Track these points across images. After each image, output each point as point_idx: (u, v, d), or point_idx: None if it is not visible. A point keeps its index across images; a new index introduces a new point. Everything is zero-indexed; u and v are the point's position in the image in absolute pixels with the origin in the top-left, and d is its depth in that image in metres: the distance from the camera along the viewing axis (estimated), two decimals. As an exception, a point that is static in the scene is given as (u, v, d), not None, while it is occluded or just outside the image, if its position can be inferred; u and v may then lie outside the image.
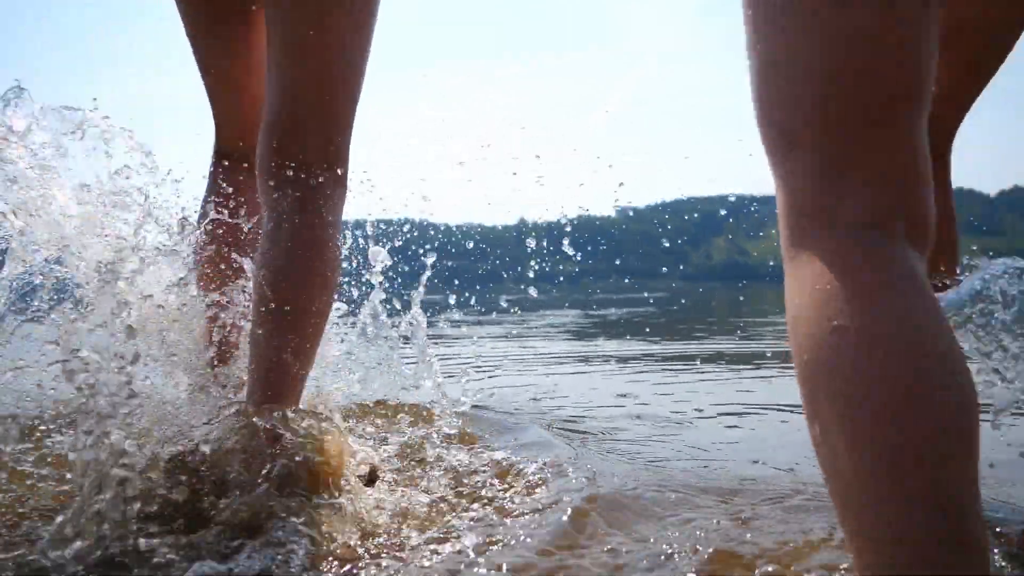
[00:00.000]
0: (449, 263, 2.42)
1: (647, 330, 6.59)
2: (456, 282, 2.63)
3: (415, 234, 2.39)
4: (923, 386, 0.69)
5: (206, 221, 1.59)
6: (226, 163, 1.66)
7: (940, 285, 1.40)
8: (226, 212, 1.60)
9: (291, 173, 1.38)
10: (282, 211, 1.38)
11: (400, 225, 2.19)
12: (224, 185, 1.63)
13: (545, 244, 2.53)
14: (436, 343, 3.66)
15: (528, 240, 2.54)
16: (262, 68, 1.48)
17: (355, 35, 1.42)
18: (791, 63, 0.82)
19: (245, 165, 1.61)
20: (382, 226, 2.05)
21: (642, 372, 3.76)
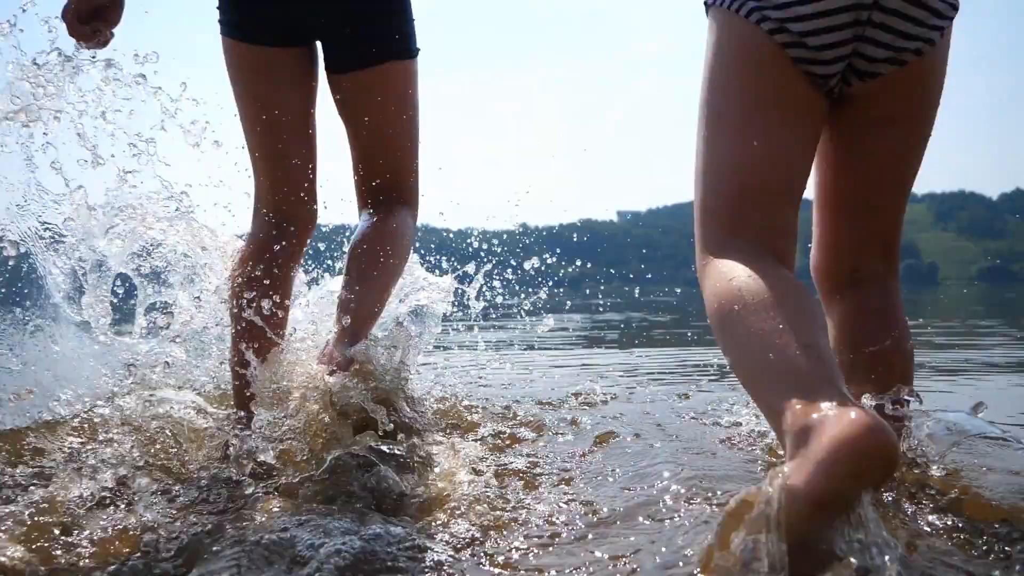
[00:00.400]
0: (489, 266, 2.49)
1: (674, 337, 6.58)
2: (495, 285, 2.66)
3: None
4: (792, 299, 1.14)
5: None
6: (267, 227, 1.91)
7: (895, 405, 1.40)
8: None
9: (380, 201, 1.98)
10: (375, 217, 1.94)
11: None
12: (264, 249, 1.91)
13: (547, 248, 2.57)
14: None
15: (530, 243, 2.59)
16: (313, 140, 1.93)
17: (411, 117, 1.96)
18: (718, 168, 1.39)
19: (283, 226, 1.90)
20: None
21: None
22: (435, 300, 2.31)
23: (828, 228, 1.53)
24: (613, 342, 5.74)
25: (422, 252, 2.38)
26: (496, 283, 2.57)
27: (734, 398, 2.33)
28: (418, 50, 1.98)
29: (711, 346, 3.44)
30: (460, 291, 2.39)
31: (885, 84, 1.38)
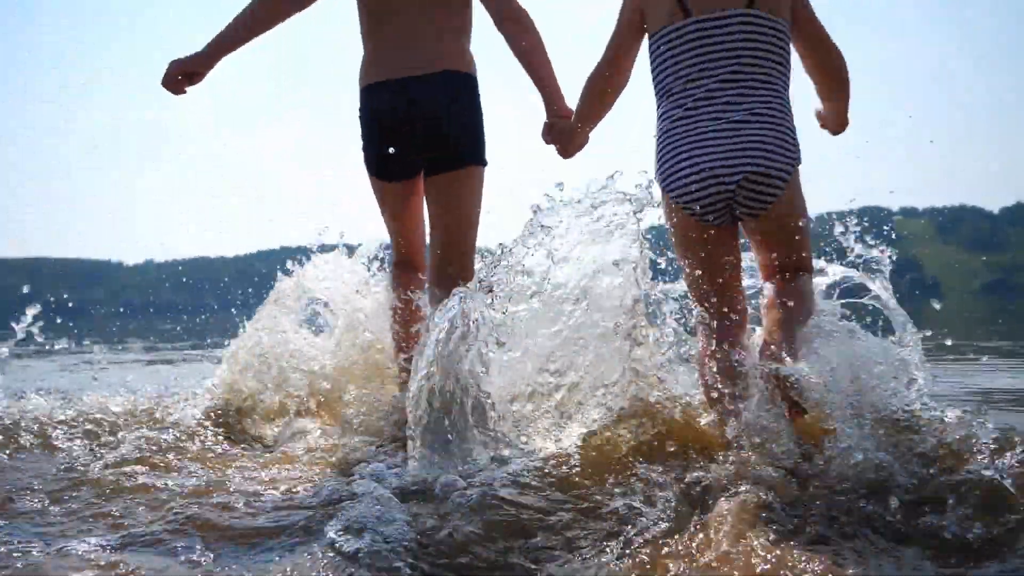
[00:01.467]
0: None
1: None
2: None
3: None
4: None
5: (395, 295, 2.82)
6: (401, 266, 2.88)
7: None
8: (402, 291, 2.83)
9: (448, 275, 2.66)
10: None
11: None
12: (402, 279, 2.85)
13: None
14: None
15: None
16: (421, 215, 2.82)
17: (476, 206, 2.73)
18: (693, 276, 2.23)
19: (409, 268, 2.88)
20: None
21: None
22: None
23: (762, 267, 2.32)
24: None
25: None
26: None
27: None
28: (487, 162, 2.73)
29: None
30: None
31: (755, 221, 2.20)
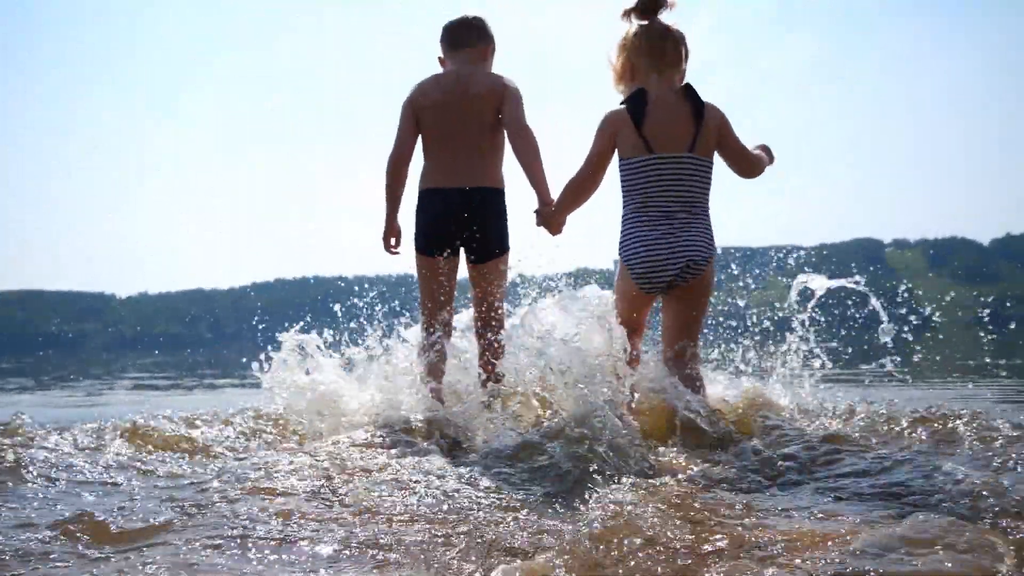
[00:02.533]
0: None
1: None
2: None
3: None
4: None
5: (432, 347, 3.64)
6: (435, 326, 3.66)
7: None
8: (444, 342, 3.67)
9: (492, 327, 3.61)
10: (486, 342, 3.62)
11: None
12: (439, 334, 3.65)
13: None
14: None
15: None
16: (449, 283, 3.68)
17: (505, 278, 3.68)
18: (626, 314, 3.27)
19: (440, 328, 3.65)
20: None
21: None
22: None
23: (667, 334, 3.28)
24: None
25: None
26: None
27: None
28: (510, 247, 3.65)
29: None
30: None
31: (681, 288, 3.17)
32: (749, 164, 3.30)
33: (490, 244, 3.61)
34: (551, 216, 3.42)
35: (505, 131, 3.63)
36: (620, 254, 3.23)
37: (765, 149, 3.43)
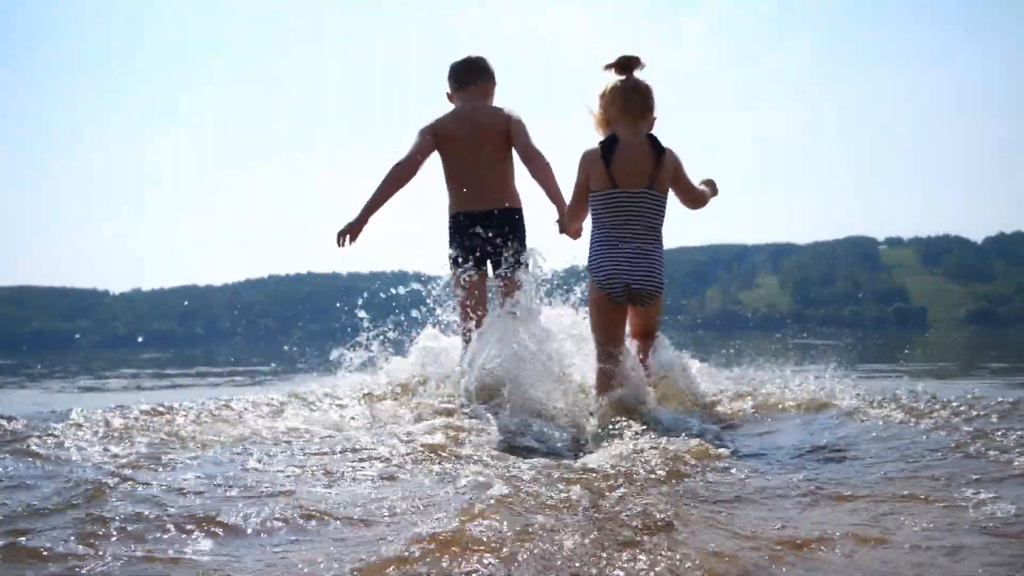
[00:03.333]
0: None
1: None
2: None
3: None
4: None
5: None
6: (469, 317, 4.25)
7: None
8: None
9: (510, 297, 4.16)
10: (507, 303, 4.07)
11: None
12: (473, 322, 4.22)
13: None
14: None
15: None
16: (485, 291, 4.36)
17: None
18: (600, 327, 3.90)
19: (471, 316, 4.26)
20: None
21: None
22: None
23: (634, 330, 3.96)
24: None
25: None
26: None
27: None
28: (524, 263, 4.14)
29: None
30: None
31: (641, 306, 3.79)
32: (695, 199, 3.97)
33: (514, 252, 4.19)
34: (568, 225, 4.05)
35: (516, 151, 4.23)
36: (588, 268, 3.85)
37: (709, 184, 4.05)
